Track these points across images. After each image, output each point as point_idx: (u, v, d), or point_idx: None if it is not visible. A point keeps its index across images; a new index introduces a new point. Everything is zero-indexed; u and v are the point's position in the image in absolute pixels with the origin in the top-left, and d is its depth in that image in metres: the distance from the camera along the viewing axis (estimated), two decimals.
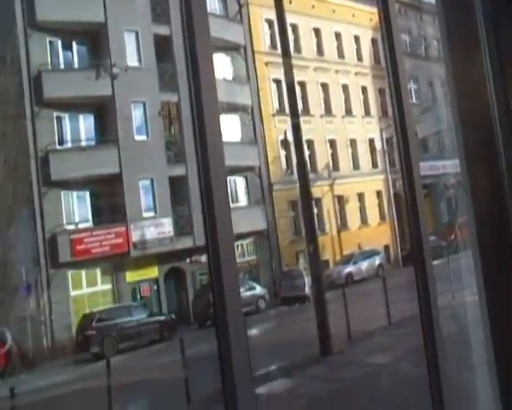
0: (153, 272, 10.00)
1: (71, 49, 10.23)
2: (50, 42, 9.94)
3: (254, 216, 11.07)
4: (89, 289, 9.73)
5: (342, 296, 6.48)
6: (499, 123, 2.29)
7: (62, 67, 10.15)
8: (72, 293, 9.47)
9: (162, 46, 10.45)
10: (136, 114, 10.33)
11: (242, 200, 11.54)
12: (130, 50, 10.45)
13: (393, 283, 7.37)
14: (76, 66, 10.24)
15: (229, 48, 11.32)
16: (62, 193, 9.51)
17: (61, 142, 9.79)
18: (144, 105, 10.42)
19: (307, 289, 9.04)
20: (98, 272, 9.75)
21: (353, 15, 13.38)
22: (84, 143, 10.04)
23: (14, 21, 9.58)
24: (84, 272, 9.62)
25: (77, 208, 9.82)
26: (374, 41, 13.06)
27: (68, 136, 9.90)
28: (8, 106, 10.46)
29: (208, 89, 1.21)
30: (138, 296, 10.04)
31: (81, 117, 10.05)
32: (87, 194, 9.87)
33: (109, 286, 9.81)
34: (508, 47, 3.00)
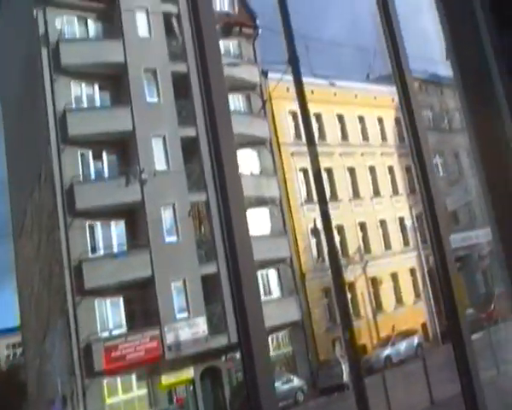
0: (188, 373, 9.83)
1: (101, 159, 10.50)
2: (82, 154, 10.24)
3: (288, 307, 10.93)
4: (124, 396, 9.57)
5: (382, 381, 6.29)
6: None
7: (93, 177, 10.42)
8: (108, 401, 9.31)
9: (189, 147, 10.66)
10: (167, 216, 10.44)
11: (275, 292, 11.37)
12: (158, 155, 10.64)
13: (434, 361, 7.14)
14: (106, 174, 10.50)
15: (255, 142, 11.48)
16: (96, 301, 9.53)
17: (94, 250, 9.93)
18: (174, 207, 10.52)
19: (345, 377, 8.73)
20: (133, 377, 9.64)
21: (375, 98, 13.60)
22: (115, 250, 10.15)
23: (48, 140, 9.97)
24: (119, 379, 9.49)
25: (111, 315, 9.81)
26: (397, 120, 13.20)
27: (100, 243, 10.03)
28: (42, 219, 10.70)
29: (233, 185, 1.21)
30: (174, 399, 9.80)
31: (112, 224, 10.21)
32: (120, 300, 9.88)
33: (145, 391, 9.66)
34: None
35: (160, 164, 10.60)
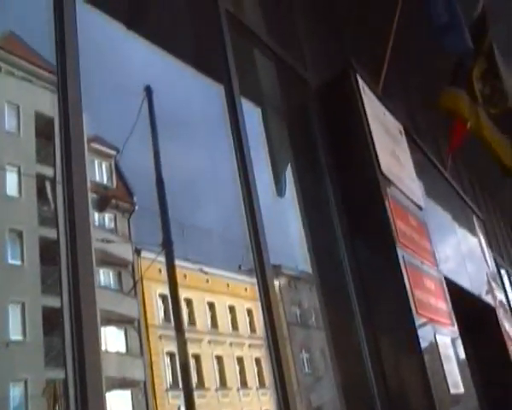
0: None
1: None
2: None
3: None
4: None
5: None
6: (377, 393, 2.29)
7: None
8: None
9: (52, 318, 10.15)
10: (15, 394, 9.63)
11: None
12: (14, 323, 9.98)
13: None
14: None
15: (123, 321, 11.61)
16: None
17: None
18: (26, 383, 9.72)
19: None
20: None
21: (246, 289, 14.09)
22: None
23: None
24: None
25: None
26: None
27: None
28: None
29: (93, 366, 1.16)
30: None
31: None
32: None
33: None
34: (379, 316, 3.16)
35: (15, 333, 9.93)
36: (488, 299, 6.39)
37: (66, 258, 1.66)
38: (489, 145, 6.16)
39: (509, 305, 8.31)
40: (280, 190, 3.82)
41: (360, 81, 4.32)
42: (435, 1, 5.25)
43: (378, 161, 4.06)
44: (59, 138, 1.93)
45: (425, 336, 3.70)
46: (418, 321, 3.63)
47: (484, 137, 6.13)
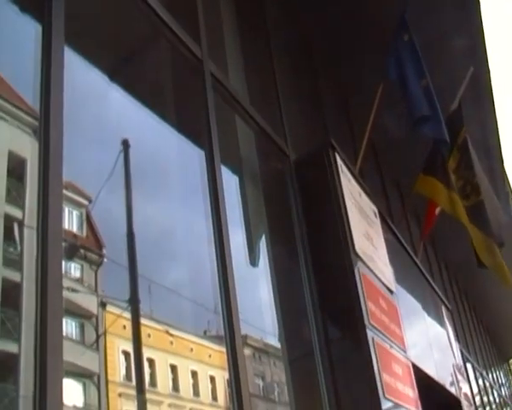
0: None
1: None
2: None
3: None
4: None
5: None
6: None
7: None
8: None
9: (9, 364, 9.76)
10: None
11: None
12: None
13: None
14: None
15: (83, 375, 11.14)
16: None
17: None
18: None
19: None
20: None
21: (210, 356, 13.70)
22: None
23: None
24: None
25: None
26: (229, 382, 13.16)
27: None
28: None
29: None
30: None
31: None
32: None
33: None
34: (346, 396, 3.06)
35: None
36: (453, 390, 6.30)
37: (34, 304, 1.59)
38: (468, 232, 6.23)
39: (473, 399, 8.22)
40: (253, 260, 3.76)
41: (338, 160, 4.37)
42: (416, 93, 5.41)
43: (352, 240, 4.06)
44: (35, 180, 1.89)
45: None
46: (385, 405, 3.54)
47: (462, 224, 6.22)
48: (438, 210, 7.01)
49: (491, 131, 8.34)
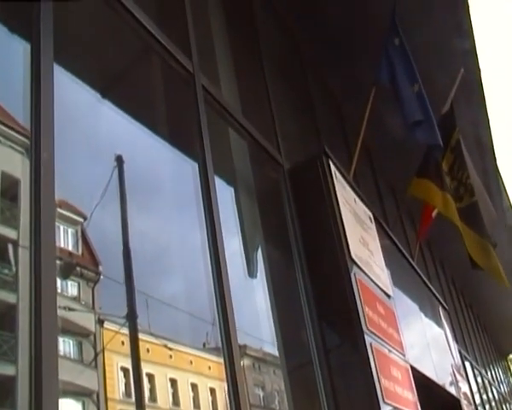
0: None
1: None
2: None
3: None
4: None
5: None
6: None
7: None
8: None
9: (6, 387, 9.78)
10: None
11: None
12: None
13: None
14: None
15: (82, 393, 11.13)
16: None
17: None
18: None
19: None
20: None
21: (209, 368, 13.74)
22: None
23: None
24: None
25: None
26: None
27: None
28: None
29: None
30: None
31: None
32: None
33: None
34: (345, 402, 3.08)
35: None
36: (452, 390, 6.32)
37: (28, 325, 1.60)
38: (462, 236, 6.26)
39: (473, 397, 8.24)
40: (251, 271, 3.78)
41: (332, 167, 4.39)
42: (408, 98, 5.43)
43: (348, 246, 4.07)
44: (28, 200, 1.90)
45: None
46: (385, 409, 3.56)
47: (457, 227, 6.25)
48: (435, 212, 7.04)
49: (484, 130, 8.38)
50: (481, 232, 6.32)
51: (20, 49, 2.27)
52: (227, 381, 2.58)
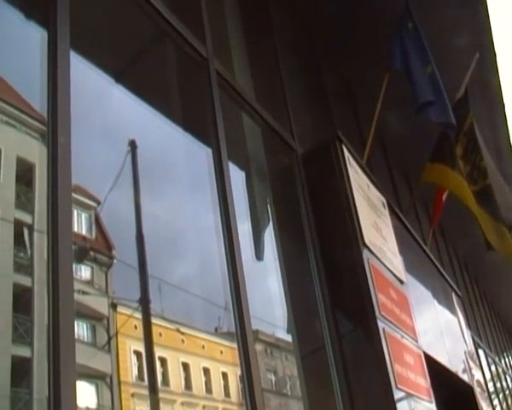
0: None
1: None
2: None
3: None
4: None
5: None
6: None
7: None
8: None
9: (22, 368, 9.91)
10: None
11: None
12: None
13: None
14: None
15: (96, 376, 11.22)
16: None
17: None
18: None
19: None
20: None
21: (221, 352, 13.81)
22: None
23: None
24: None
25: None
26: (242, 379, 13.26)
27: None
28: None
29: None
30: None
31: None
32: None
33: None
34: (358, 387, 3.07)
35: None
36: (466, 377, 6.31)
37: (46, 308, 1.62)
38: (475, 217, 6.25)
39: (486, 385, 8.22)
40: (259, 255, 3.78)
41: (346, 152, 4.37)
42: (420, 80, 5.38)
43: (361, 231, 4.06)
44: (43, 184, 1.91)
45: None
46: (397, 395, 3.56)
47: (471, 211, 6.23)
48: (445, 195, 7.01)
49: (501, 132, 8.33)
50: (495, 215, 6.29)
51: (36, 35, 2.27)
52: (241, 365, 2.60)
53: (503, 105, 7.84)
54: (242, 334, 2.74)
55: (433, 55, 5.49)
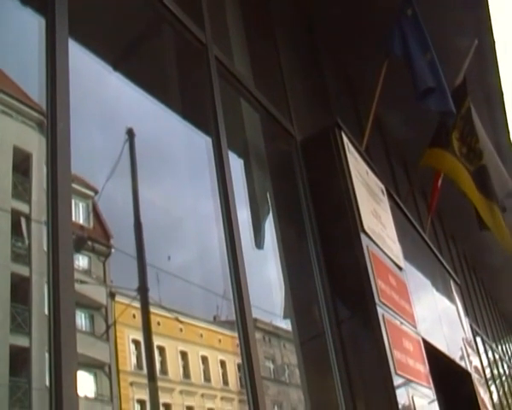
0: None
1: None
2: None
3: None
4: None
5: None
6: None
7: None
8: None
9: (20, 358, 9.92)
10: None
11: None
12: None
13: None
14: None
15: (94, 365, 11.27)
16: None
17: None
18: None
19: None
20: None
21: (220, 341, 13.88)
22: None
23: None
24: None
25: None
26: (240, 367, 13.33)
27: None
28: None
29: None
30: None
31: None
32: None
33: None
34: (357, 374, 3.07)
35: None
36: (463, 363, 6.33)
37: (47, 297, 1.61)
38: (470, 200, 6.31)
39: (484, 371, 8.26)
40: (258, 243, 3.77)
41: (345, 138, 4.35)
42: (420, 67, 5.36)
43: (360, 218, 4.06)
44: (40, 174, 1.90)
45: (403, 396, 3.63)
46: (397, 381, 3.57)
47: (466, 193, 6.29)
48: (440, 180, 7.03)
49: (501, 132, 8.32)
50: (489, 194, 6.35)
51: (34, 23, 2.25)
52: (241, 353, 2.60)
53: (503, 105, 7.82)
54: (243, 322, 2.74)
55: (431, 41, 5.47)
